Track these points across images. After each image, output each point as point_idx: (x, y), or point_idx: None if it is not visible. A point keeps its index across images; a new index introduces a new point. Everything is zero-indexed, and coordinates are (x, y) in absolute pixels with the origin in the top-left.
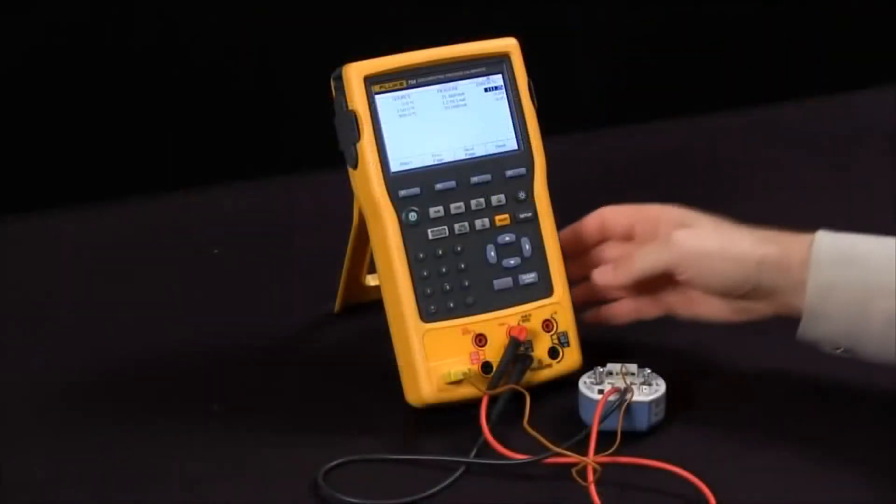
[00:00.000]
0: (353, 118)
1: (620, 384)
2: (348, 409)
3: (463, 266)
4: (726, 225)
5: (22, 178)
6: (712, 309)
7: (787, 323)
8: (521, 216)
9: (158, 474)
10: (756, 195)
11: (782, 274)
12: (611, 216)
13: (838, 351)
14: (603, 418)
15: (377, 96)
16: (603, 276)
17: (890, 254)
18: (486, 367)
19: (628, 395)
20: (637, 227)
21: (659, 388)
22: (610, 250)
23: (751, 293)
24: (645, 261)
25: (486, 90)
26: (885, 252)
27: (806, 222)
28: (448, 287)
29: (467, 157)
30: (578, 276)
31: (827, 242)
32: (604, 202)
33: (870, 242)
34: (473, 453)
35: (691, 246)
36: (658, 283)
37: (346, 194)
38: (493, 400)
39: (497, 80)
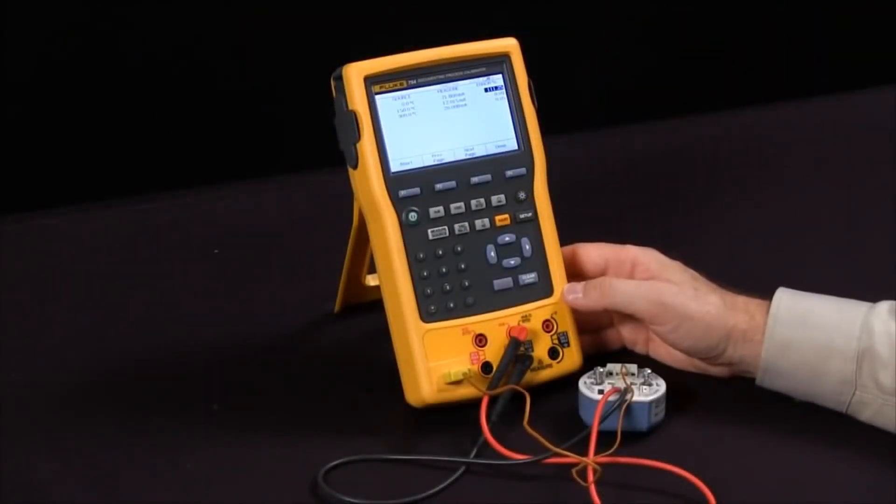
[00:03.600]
0: (353, 118)
1: (620, 384)
2: (348, 409)
3: (463, 266)
4: (701, 283)
5: (22, 178)
6: (671, 356)
7: None
8: (522, 216)
9: (158, 474)
10: (756, 195)
11: (748, 344)
12: (583, 253)
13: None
14: (603, 418)
15: (377, 96)
16: (572, 297)
17: (846, 317)
18: (486, 367)
19: (628, 396)
20: (610, 267)
21: (659, 388)
22: None
23: (713, 359)
24: (624, 300)
25: (486, 90)
26: (841, 315)
27: (806, 223)
28: (448, 287)
29: (467, 157)
30: None
31: (786, 302)
32: (604, 202)
33: (828, 304)
34: (473, 453)
35: (671, 304)
36: (624, 316)
37: (346, 194)
38: (493, 400)
39: (497, 80)
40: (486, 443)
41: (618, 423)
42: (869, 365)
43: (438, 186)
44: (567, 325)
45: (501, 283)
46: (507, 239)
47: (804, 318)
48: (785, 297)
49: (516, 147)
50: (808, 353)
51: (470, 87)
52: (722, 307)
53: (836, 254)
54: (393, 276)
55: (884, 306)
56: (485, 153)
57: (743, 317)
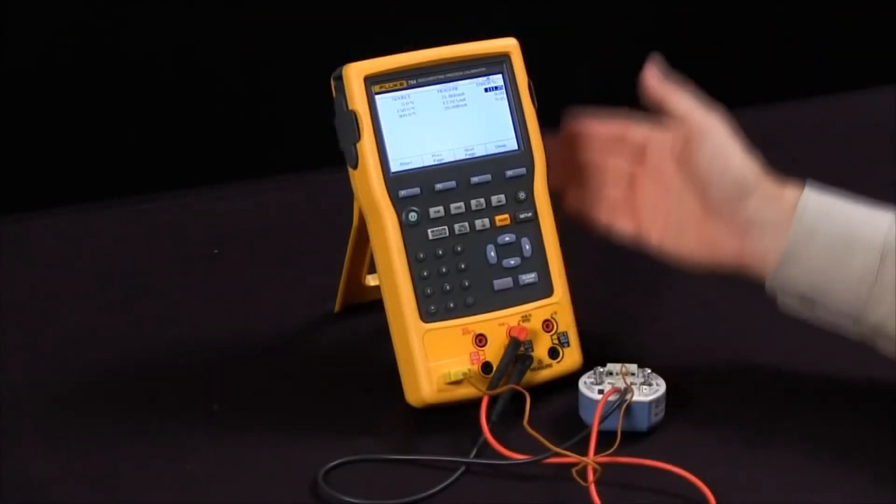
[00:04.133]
0: (353, 118)
1: (620, 384)
2: (348, 409)
3: (463, 266)
4: None
5: (22, 178)
6: (682, 236)
7: (788, 322)
8: (522, 216)
9: (158, 474)
10: None
11: (774, 203)
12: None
13: (803, 314)
14: (603, 418)
15: (377, 96)
16: (654, 79)
17: (874, 215)
18: (486, 367)
19: (628, 395)
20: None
21: (659, 388)
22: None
23: (737, 208)
24: (685, 101)
25: (486, 90)
26: (869, 213)
27: None
28: (448, 287)
29: (467, 157)
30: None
31: (815, 194)
32: None
33: (854, 204)
34: (473, 453)
35: (721, 125)
36: (647, 177)
37: (346, 194)
38: (493, 400)
39: (497, 80)
40: (486, 443)
41: (618, 423)
42: (892, 260)
43: (438, 186)
44: (567, 324)
45: (501, 283)
46: (507, 239)
47: (833, 209)
48: (814, 192)
49: (516, 147)
50: (833, 241)
51: (470, 87)
52: (762, 169)
53: None
54: (393, 276)
55: None
56: (485, 153)
57: (772, 180)
